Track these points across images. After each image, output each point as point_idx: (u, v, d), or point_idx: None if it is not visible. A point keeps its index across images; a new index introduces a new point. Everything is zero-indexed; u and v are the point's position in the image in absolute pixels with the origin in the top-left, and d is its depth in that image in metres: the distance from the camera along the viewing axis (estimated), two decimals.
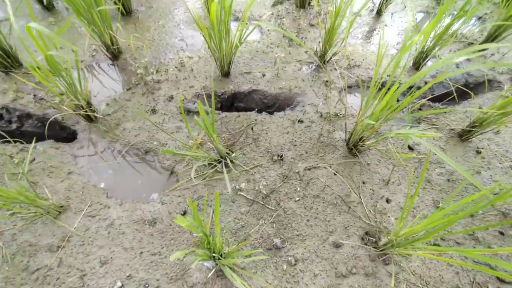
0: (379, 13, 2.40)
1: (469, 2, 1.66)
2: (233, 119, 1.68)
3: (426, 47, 1.89)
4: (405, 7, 2.53)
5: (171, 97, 1.77)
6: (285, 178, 1.47)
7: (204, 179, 1.46)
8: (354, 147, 1.56)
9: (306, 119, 1.70)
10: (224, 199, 1.38)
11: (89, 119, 1.62)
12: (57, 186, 1.40)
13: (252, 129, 1.65)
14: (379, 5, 2.37)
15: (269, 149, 1.57)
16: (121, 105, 1.74)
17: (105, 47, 1.88)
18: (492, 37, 2.14)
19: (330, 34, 1.76)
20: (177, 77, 1.88)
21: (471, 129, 1.63)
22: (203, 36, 1.58)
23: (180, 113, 1.72)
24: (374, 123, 1.22)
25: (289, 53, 2.04)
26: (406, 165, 1.54)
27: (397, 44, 2.21)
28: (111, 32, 1.76)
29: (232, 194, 1.40)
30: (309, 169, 1.51)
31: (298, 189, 1.44)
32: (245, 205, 1.37)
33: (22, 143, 1.55)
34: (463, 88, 1.93)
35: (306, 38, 2.15)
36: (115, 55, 1.93)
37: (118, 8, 2.15)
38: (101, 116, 1.66)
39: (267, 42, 2.09)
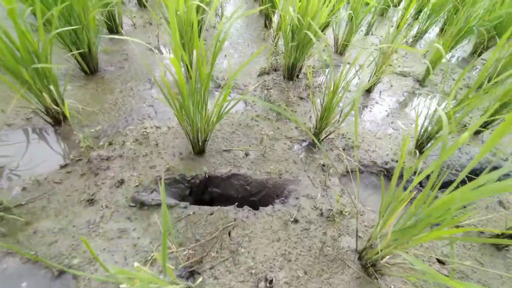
0: (368, 90, 2.31)
1: (470, 93, 1.53)
2: (204, 219, 1.21)
3: (429, 130, 1.69)
4: (391, 86, 2.49)
5: (121, 182, 1.30)
6: None
7: None
8: (371, 265, 1.12)
9: (302, 218, 1.28)
10: None
11: None
12: None
13: (229, 234, 1.17)
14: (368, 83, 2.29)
15: (252, 269, 1.08)
16: (44, 191, 1.23)
17: (45, 110, 1.46)
18: (485, 125, 2.05)
19: (327, 111, 1.50)
20: (135, 153, 1.44)
21: (510, 238, 1.29)
22: (172, 107, 1.23)
23: (130, 206, 1.23)
24: (402, 254, 0.82)
25: (278, 128, 1.74)
26: None
27: (392, 123, 2.03)
28: (46, 95, 1.37)
29: None
30: None
31: None
32: None
33: None
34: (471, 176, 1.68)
35: (295, 112, 1.91)
36: (57, 120, 1.50)
37: (80, 66, 1.83)
38: (2, 213, 1.12)
39: (252, 114, 1.80)
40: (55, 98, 1.42)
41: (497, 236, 1.34)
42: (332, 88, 1.44)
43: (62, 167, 1.34)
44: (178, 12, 1.53)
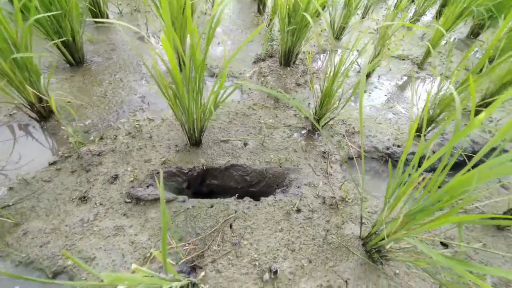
0: (367, 75, 2.25)
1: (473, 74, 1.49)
2: (204, 212, 1.17)
3: (431, 113, 1.66)
4: (390, 70, 2.44)
5: (115, 177, 1.24)
6: None
7: None
8: (376, 251, 1.10)
9: (305, 207, 1.25)
10: None
11: None
12: None
13: (231, 226, 1.14)
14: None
15: (256, 260, 1.05)
16: (33, 190, 1.16)
17: (29, 105, 1.37)
18: (485, 105, 2.02)
19: (327, 97, 1.45)
20: (128, 147, 1.38)
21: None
22: (165, 96, 1.16)
23: (125, 202, 1.18)
24: (411, 242, 0.79)
25: (276, 116, 1.69)
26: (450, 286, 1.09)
27: (392, 107, 1.99)
28: (28, 88, 1.28)
29: None
30: None
31: None
32: None
33: None
34: (473, 155, 1.67)
35: (294, 98, 1.85)
36: (42, 115, 1.42)
37: (65, 57, 1.72)
38: None
39: (249, 103, 1.74)
40: (38, 92, 1.34)
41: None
42: (332, 73, 1.38)
43: (51, 164, 1.27)
44: None
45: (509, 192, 1.52)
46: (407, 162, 1.66)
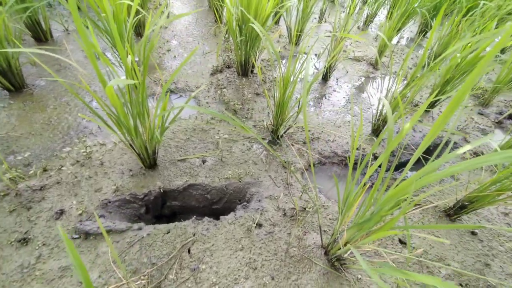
0: (325, 78, 2.31)
1: (416, 72, 1.58)
2: (160, 239, 1.12)
3: (384, 114, 1.73)
4: (347, 72, 2.53)
5: (61, 212, 1.15)
6: None
7: None
8: (336, 259, 1.11)
9: (266, 221, 1.24)
10: None
11: None
12: None
13: (189, 251, 1.09)
14: (324, 71, 2.30)
15: (216, 284, 1.02)
16: None
17: None
18: (433, 102, 2.16)
19: (281, 107, 1.46)
20: (76, 177, 1.29)
21: (460, 209, 1.37)
22: (106, 125, 1.10)
23: (73, 238, 1.09)
24: (355, 253, 0.81)
25: (234, 128, 1.67)
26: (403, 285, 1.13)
27: (350, 109, 2.06)
28: None
29: None
30: None
31: None
32: None
33: None
34: (424, 155, 1.78)
35: (253, 109, 1.85)
36: None
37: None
38: None
39: (207, 117, 1.70)
40: None
41: (450, 208, 1.42)
42: (282, 82, 1.39)
43: None
44: (103, 14, 1.36)
45: (457, 180, 1.62)
46: (367, 164, 1.71)
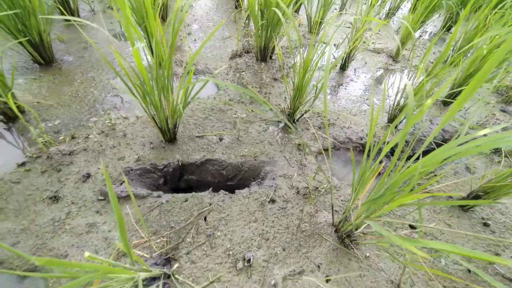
0: (343, 68, 2.30)
1: (437, 65, 1.56)
2: (178, 206, 1.18)
3: (402, 104, 1.72)
4: (366, 63, 2.50)
5: (87, 176, 1.23)
6: None
7: None
8: (347, 237, 1.14)
9: (279, 197, 1.28)
10: None
11: None
12: None
13: (205, 219, 1.15)
14: (342, 61, 2.28)
15: (230, 250, 1.07)
16: (1, 192, 1.14)
17: None
18: (455, 95, 2.11)
19: (299, 91, 1.48)
20: (101, 146, 1.36)
21: (475, 199, 1.36)
22: (133, 94, 1.16)
23: (98, 200, 1.17)
24: (371, 224, 0.84)
25: (252, 111, 1.71)
26: (411, 265, 1.15)
27: (367, 99, 2.05)
28: None
29: None
30: (290, 278, 1.03)
31: None
32: None
33: None
34: (442, 143, 1.76)
35: (270, 93, 1.87)
36: (9, 116, 1.38)
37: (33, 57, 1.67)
38: None
39: (225, 98, 1.75)
40: (1, 92, 1.30)
41: (463, 198, 1.41)
42: (302, 67, 1.41)
43: (19, 165, 1.24)
44: None
45: (473, 174, 1.60)
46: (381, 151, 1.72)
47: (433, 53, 2.86)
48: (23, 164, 1.24)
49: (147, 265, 0.83)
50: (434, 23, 3.60)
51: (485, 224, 1.37)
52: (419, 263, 1.11)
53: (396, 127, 1.81)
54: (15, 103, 1.37)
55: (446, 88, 2.37)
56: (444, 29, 3.36)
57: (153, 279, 0.96)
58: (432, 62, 2.73)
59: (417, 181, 1.09)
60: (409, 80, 1.71)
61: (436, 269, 1.14)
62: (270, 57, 2.14)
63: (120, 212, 0.61)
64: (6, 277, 0.96)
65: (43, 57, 1.72)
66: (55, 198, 1.15)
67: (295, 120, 1.66)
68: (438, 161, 0.71)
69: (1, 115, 1.37)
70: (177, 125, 1.38)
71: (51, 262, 0.45)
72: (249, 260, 1.04)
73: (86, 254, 0.51)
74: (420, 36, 3.26)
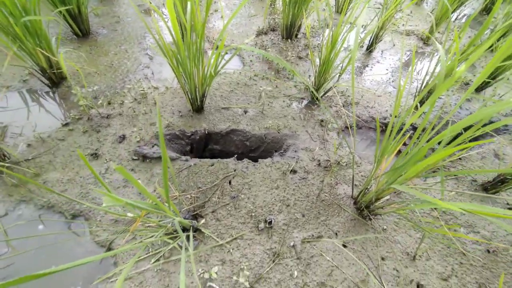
0: (369, 49, 2.24)
1: (469, 47, 1.49)
2: (205, 169, 1.26)
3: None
4: (394, 45, 2.41)
5: (123, 137, 1.33)
6: (277, 257, 1.02)
7: (158, 260, 0.98)
8: (366, 208, 1.17)
9: (300, 168, 1.32)
10: None
11: None
12: None
13: (230, 183, 1.22)
14: (369, 42, 2.22)
15: (253, 212, 1.14)
16: (49, 147, 1.26)
17: (41, 71, 1.45)
18: (490, 77, 2.01)
19: (325, 66, 1.48)
20: (134, 112, 1.46)
21: (500, 183, 1.33)
22: (168, 62, 1.22)
23: (133, 159, 1.27)
24: (398, 188, 0.86)
25: (276, 86, 1.73)
26: (431, 231, 1.17)
27: (393, 81, 2.01)
28: (43, 51, 1.35)
29: None
30: (308, 241, 1.09)
31: (296, 274, 0.99)
32: None
33: None
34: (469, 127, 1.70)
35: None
36: (54, 81, 1.50)
37: (72, 28, 1.78)
38: (10, 164, 1.16)
39: (250, 73, 1.78)
40: (49, 57, 1.41)
41: (488, 182, 1.38)
42: (330, 41, 1.40)
43: (63, 125, 1.36)
44: None
45: (501, 160, 1.56)
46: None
47: (469, 36, 2.69)
48: (67, 124, 1.36)
49: (178, 211, 0.92)
50: (473, 5, 3.36)
51: (510, 208, 1.34)
52: (437, 234, 1.13)
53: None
54: (58, 69, 1.48)
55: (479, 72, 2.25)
56: (483, 11, 3.14)
57: (182, 230, 1.05)
58: (455, 43, 2.57)
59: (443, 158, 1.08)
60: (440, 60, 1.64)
61: (453, 245, 1.15)
62: (296, 36, 2.12)
63: (166, 164, 0.68)
64: (55, 221, 1.08)
65: (80, 29, 1.82)
66: (95, 155, 1.26)
67: (320, 97, 1.66)
68: (468, 123, 0.72)
69: (47, 80, 1.49)
70: (205, 95, 1.44)
71: (117, 200, 0.52)
72: (270, 222, 1.11)
73: (114, 165, 0.59)
74: (456, 19, 3.06)
